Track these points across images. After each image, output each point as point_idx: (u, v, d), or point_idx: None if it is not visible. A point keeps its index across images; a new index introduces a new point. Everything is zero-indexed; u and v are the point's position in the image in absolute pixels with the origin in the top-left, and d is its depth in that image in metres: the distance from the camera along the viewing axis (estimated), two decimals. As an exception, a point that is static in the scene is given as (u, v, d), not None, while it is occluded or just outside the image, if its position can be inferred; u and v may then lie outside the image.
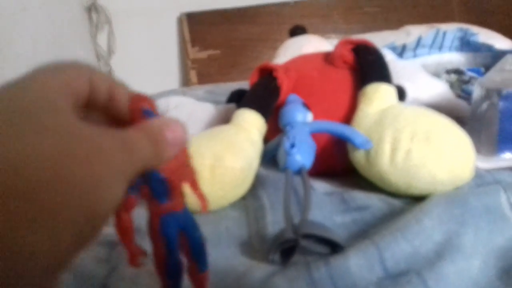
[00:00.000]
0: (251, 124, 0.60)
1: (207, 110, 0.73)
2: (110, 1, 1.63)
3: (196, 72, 1.66)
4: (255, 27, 1.72)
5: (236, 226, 0.53)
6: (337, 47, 0.64)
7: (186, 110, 0.73)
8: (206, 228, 0.51)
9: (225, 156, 0.54)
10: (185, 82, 1.73)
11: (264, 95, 0.63)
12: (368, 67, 0.60)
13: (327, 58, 0.65)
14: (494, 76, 0.68)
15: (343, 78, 0.63)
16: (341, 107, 0.62)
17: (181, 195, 0.29)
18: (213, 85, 1.37)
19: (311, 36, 0.89)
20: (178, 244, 0.29)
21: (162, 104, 0.76)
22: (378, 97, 0.57)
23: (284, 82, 0.63)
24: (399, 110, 0.55)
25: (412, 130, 0.52)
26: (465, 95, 0.84)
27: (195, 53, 1.67)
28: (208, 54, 1.68)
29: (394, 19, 1.73)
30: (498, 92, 0.60)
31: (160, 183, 0.27)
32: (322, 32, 1.73)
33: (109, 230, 0.29)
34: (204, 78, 1.64)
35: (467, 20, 1.66)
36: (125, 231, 0.30)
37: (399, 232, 0.44)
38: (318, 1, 1.75)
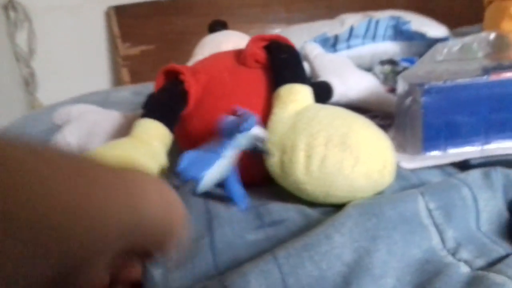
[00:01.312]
0: (152, 135, 0.54)
1: (113, 119, 0.66)
2: (28, -3, 1.50)
3: (128, 70, 1.56)
4: (191, 18, 1.63)
5: None
6: (248, 45, 0.58)
7: (89, 120, 0.65)
8: None
9: None
10: (117, 81, 1.62)
11: (169, 102, 0.56)
12: (281, 67, 0.55)
13: (239, 56, 0.59)
14: (418, 69, 0.64)
15: (256, 79, 0.57)
16: (254, 111, 0.56)
17: None
18: (142, 85, 1.28)
19: (231, 32, 0.82)
20: None
21: (62, 113, 0.67)
22: (292, 100, 0.53)
23: (192, 86, 0.57)
24: (313, 112, 0.51)
25: (327, 135, 0.49)
26: (398, 86, 0.80)
27: (126, 49, 1.56)
28: (140, 50, 1.58)
29: (335, 6, 1.69)
30: (421, 87, 0.56)
31: None
32: (263, 21, 1.67)
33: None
34: (137, 76, 1.54)
35: (410, 4, 1.65)
36: None
37: (306, 252, 0.40)
38: (255, -10, 1.69)
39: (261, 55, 0.57)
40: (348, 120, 0.50)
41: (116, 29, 1.57)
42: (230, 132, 0.50)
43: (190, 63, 0.76)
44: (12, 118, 1.35)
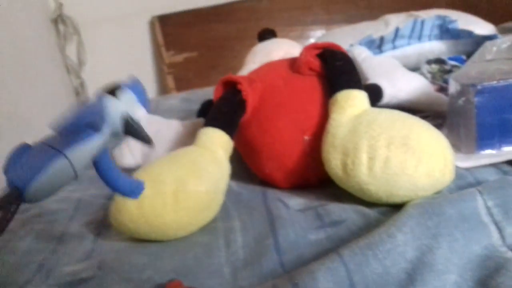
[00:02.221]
0: (215, 143, 0.57)
1: (173, 127, 0.69)
2: (77, 11, 1.57)
3: (173, 77, 1.61)
4: (231, 25, 1.66)
5: (205, 253, 0.51)
6: (302, 53, 0.60)
7: (151, 130, 0.68)
8: (173, 259, 0.49)
9: (188, 180, 0.52)
10: (162, 88, 1.67)
11: (229, 111, 0.59)
12: (337, 74, 0.57)
13: (293, 65, 0.61)
14: (470, 69, 0.64)
15: (311, 86, 0.59)
16: (310, 116, 0.58)
17: None
18: (189, 91, 1.32)
19: (280, 40, 0.84)
20: None
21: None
22: (350, 105, 0.54)
23: (249, 95, 0.59)
24: (373, 116, 0.53)
25: (388, 137, 0.50)
26: (448, 86, 0.80)
27: (170, 57, 1.61)
28: (184, 57, 1.62)
29: (376, 6, 1.69)
30: (473, 88, 0.57)
31: None
32: (303, 24, 1.68)
33: None
34: (182, 82, 1.59)
35: (451, 3, 1.63)
36: None
37: (370, 251, 0.42)
38: (295, -7, 1.70)
39: (315, 63, 0.59)
40: (407, 122, 0.52)
41: (160, 38, 1.62)
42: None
43: (243, 71, 0.79)
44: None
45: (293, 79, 0.60)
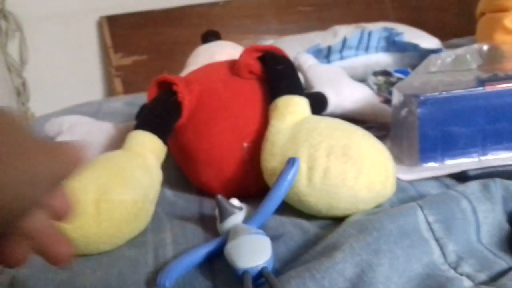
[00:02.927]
0: (145, 148, 0.53)
1: (105, 130, 0.65)
2: (20, 7, 1.49)
3: (121, 80, 1.55)
4: (183, 29, 1.63)
5: (131, 268, 0.47)
6: (242, 55, 0.57)
7: (81, 131, 0.64)
8: (95, 275, 0.45)
9: (112, 188, 0.48)
10: (109, 91, 1.61)
11: (162, 114, 0.56)
12: (278, 78, 0.55)
13: (233, 67, 0.58)
14: (413, 80, 0.64)
15: (251, 90, 0.57)
16: (250, 122, 0.56)
17: None
18: (135, 95, 1.27)
19: (224, 43, 0.81)
20: None
21: (54, 124, 0.66)
22: (290, 111, 0.53)
23: (186, 97, 0.56)
24: (313, 124, 0.51)
25: (328, 146, 0.48)
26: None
27: (118, 59, 1.56)
28: (133, 60, 1.57)
29: (327, 18, 1.70)
30: (416, 98, 0.56)
31: None
32: (255, 32, 1.67)
33: None
34: (130, 86, 1.53)
35: (402, 17, 1.67)
36: None
37: (307, 272, 0.39)
38: (249, 1, 1.69)
39: (256, 66, 0.56)
40: (348, 131, 0.50)
41: (108, 39, 1.56)
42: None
43: (184, 73, 0.75)
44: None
45: (233, 82, 0.58)
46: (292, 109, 0.52)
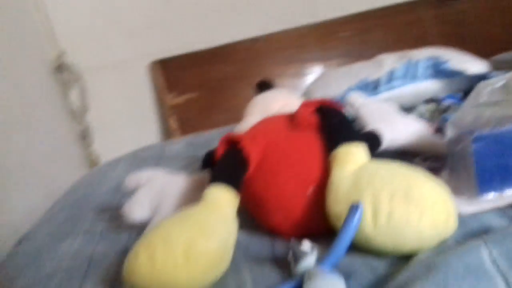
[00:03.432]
0: (222, 201, 0.59)
1: (179, 182, 0.71)
2: (78, 58, 1.61)
3: (176, 118, 1.63)
4: (229, 65, 1.70)
5: None
6: (299, 111, 0.62)
7: (158, 185, 0.71)
8: None
9: (198, 240, 0.53)
10: (166, 130, 1.70)
11: (232, 168, 0.61)
12: (334, 131, 0.59)
13: (292, 120, 0.63)
14: (465, 115, 0.66)
15: (310, 141, 0.62)
16: (311, 170, 0.60)
17: None
18: (193, 135, 1.35)
19: (277, 92, 0.87)
20: None
21: (132, 180, 0.73)
22: (350, 160, 0.56)
23: (251, 152, 0.61)
24: (374, 170, 0.54)
25: (390, 190, 0.51)
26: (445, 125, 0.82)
27: (172, 99, 1.64)
28: (185, 99, 1.66)
29: (369, 40, 1.72)
30: (470, 135, 0.58)
31: None
32: (299, 61, 1.72)
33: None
34: (184, 123, 1.62)
35: (444, 32, 1.65)
36: None
37: None
38: (290, 32, 1.74)
39: (312, 119, 0.61)
40: (408, 174, 0.53)
41: (161, 81, 1.65)
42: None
43: (244, 123, 0.81)
44: (71, 171, 1.44)
45: (292, 134, 0.63)
46: (352, 157, 0.56)
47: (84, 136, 1.64)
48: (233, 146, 0.62)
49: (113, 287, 0.59)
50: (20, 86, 1.26)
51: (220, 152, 0.63)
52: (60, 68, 1.59)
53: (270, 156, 0.62)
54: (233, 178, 0.60)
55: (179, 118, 1.63)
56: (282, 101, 0.79)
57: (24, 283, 0.65)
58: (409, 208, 0.50)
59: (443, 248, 0.51)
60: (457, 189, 0.61)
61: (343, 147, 0.57)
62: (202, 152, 0.83)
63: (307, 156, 0.61)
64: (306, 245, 0.55)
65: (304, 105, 0.62)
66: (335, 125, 0.59)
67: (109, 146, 1.52)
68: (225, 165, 0.61)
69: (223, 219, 0.57)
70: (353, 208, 0.51)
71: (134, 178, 0.72)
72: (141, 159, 1.16)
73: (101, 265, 0.65)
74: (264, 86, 0.90)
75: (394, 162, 0.56)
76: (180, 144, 1.22)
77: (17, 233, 0.87)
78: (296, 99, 0.80)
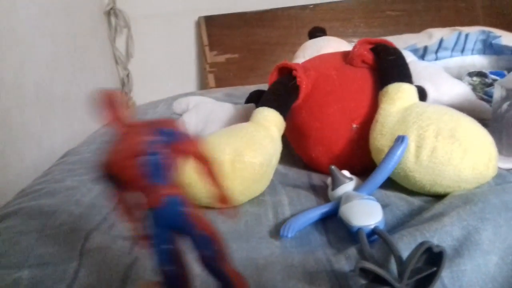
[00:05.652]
0: (270, 122, 0.61)
1: (226, 109, 0.73)
2: (129, 5, 1.65)
3: (214, 76, 1.66)
4: (273, 30, 1.71)
5: (255, 221, 0.54)
6: (355, 46, 0.63)
7: (206, 109, 0.73)
8: (225, 224, 0.53)
9: (245, 151, 0.55)
10: (203, 86, 1.73)
11: (283, 94, 0.63)
12: (389, 67, 0.60)
13: (346, 57, 0.65)
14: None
15: (362, 77, 0.63)
16: (360, 106, 0.62)
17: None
18: (231, 88, 1.37)
19: (330, 38, 0.88)
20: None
21: (181, 103, 0.76)
22: (400, 97, 0.57)
23: (304, 82, 0.63)
24: (422, 108, 0.55)
25: (436, 128, 0.52)
26: (488, 98, 0.82)
27: (213, 57, 1.67)
28: (226, 58, 1.68)
29: (416, 23, 1.70)
30: None
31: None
32: (343, 36, 1.70)
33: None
34: (221, 82, 1.64)
35: (492, 24, 1.63)
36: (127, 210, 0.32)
37: (418, 231, 0.44)
38: (338, 5, 1.74)
39: (368, 56, 0.62)
40: (455, 116, 0.53)
41: (205, 38, 1.68)
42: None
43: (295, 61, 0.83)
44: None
45: (345, 70, 0.64)
46: (402, 95, 0.57)
47: (124, 82, 1.69)
48: (287, 74, 0.64)
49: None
50: (73, 26, 1.30)
51: (273, 79, 0.65)
52: (111, 12, 1.63)
53: (320, 89, 0.63)
54: (282, 105, 0.62)
55: (217, 76, 1.66)
56: (334, 47, 0.80)
57: (70, 183, 0.70)
58: (453, 146, 0.50)
59: (479, 188, 0.52)
60: (497, 149, 0.62)
61: (395, 84, 0.57)
62: (240, 101, 0.86)
63: (356, 92, 0.62)
64: (345, 172, 0.58)
65: (361, 42, 0.63)
66: (390, 62, 0.60)
67: (146, 96, 1.56)
68: (277, 91, 0.63)
69: (269, 137, 0.59)
70: (399, 139, 0.52)
71: (183, 102, 0.75)
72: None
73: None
74: (317, 33, 0.91)
75: (442, 105, 0.58)
76: (219, 93, 1.25)
77: (56, 155, 0.92)
78: (348, 47, 0.82)
